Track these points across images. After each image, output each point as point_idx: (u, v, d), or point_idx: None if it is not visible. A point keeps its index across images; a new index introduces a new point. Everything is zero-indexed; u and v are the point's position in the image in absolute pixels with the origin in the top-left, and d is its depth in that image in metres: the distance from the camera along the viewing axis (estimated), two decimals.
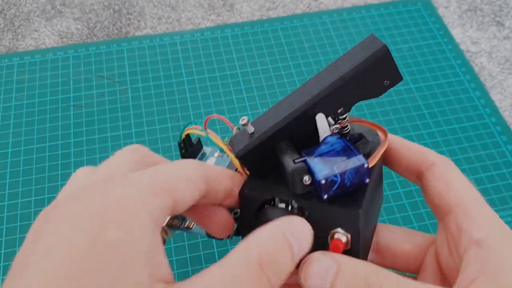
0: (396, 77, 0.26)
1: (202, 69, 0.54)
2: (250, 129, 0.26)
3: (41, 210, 0.47)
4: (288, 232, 0.21)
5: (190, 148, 0.34)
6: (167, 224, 0.31)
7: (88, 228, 0.19)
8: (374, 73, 0.25)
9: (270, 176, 0.26)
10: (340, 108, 0.26)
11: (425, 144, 0.48)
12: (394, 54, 0.55)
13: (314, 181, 0.24)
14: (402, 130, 0.49)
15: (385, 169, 0.29)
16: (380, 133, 0.27)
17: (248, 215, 0.26)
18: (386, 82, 0.26)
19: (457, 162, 0.47)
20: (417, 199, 0.44)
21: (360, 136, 0.27)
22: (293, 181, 0.24)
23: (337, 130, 0.26)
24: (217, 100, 0.52)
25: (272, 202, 0.26)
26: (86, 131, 0.49)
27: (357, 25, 0.58)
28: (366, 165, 0.24)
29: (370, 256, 0.29)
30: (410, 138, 0.48)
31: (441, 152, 0.47)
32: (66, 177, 0.46)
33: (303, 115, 0.25)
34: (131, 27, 0.59)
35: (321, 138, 0.26)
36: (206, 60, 0.55)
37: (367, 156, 0.25)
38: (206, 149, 0.36)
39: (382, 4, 0.61)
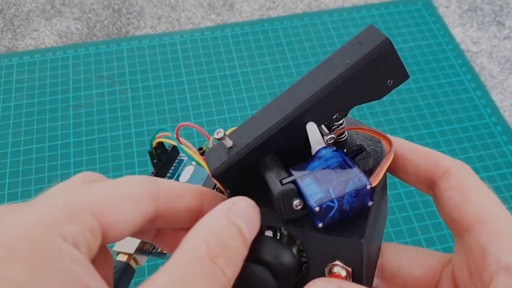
0: (401, 75, 0.21)
1: (202, 69, 0.54)
2: (228, 143, 0.21)
3: None
4: (233, 215, 0.19)
5: (163, 156, 0.31)
6: (137, 250, 0.27)
7: None
8: (375, 71, 0.21)
9: (253, 196, 0.21)
10: (335, 114, 0.22)
11: (425, 144, 0.48)
12: None
13: (307, 206, 0.20)
14: (402, 130, 0.49)
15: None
16: (383, 143, 0.23)
17: None
18: (390, 82, 0.21)
19: None
20: (418, 199, 0.44)
21: (360, 149, 0.22)
22: (281, 205, 0.20)
23: (332, 141, 0.22)
24: (217, 100, 0.52)
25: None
26: (85, 131, 0.49)
27: (357, 24, 0.58)
28: (368, 186, 0.20)
29: (374, 282, 0.25)
30: (410, 138, 0.48)
31: (442, 152, 0.47)
32: (65, 177, 0.46)
33: (291, 125, 0.21)
34: (130, 27, 0.59)
35: (313, 151, 0.22)
36: (206, 60, 0.55)
37: (369, 173, 0.21)
38: (183, 156, 0.33)
39: (383, 3, 0.60)
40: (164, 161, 0.31)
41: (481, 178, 0.48)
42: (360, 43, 0.21)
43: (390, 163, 0.23)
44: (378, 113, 0.50)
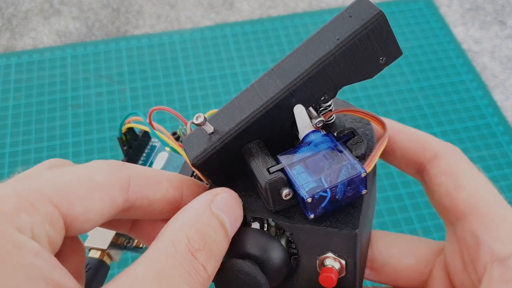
0: (394, 52, 0.20)
1: (202, 68, 0.54)
2: (209, 128, 0.20)
3: None
4: (215, 207, 0.18)
5: (134, 143, 0.29)
6: (110, 245, 0.25)
7: None
8: (367, 47, 0.19)
9: (236, 185, 0.20)
10: (323, 95, 0.20)
11: None
12: None
13: (297, 196, 0.19)
14: None
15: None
16: (375, 125, 0.22)
17: None
18: (382, 59, 0.20)
19: None
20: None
21: (352, 133, 0.20)
22: (268, 196, 0.19)
23: (321, 124, 0.20)
24: (217, 100, 0.51)
25: (243, 221, 0.20)
26: (84, 131, 0.49)
27: None
28: (363, 174, 0.18)
29: (365, 273, 0.24)
30: None
31: None
32: None
33: (277, 107, 0.19)
34: (129, 26, 0.59)
35: (301, 136, 0.20)
36: (205, 59, 0.55)
37: (361, 158, 0.19)
38: (155, 141, 0.30)
39: (384, 3, 0.60)
40: (135, 148, 0.29)
41: None
42: (350, 16, 0.19)
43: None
44: (379, 113, 0.50)
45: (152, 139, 0.30)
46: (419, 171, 0.23)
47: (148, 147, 0.30)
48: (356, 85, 0.52)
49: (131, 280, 0.16)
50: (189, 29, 0.58)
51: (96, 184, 0.17)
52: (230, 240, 0.19)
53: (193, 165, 0.20)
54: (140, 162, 0.29)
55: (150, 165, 0.29)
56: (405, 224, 0.42)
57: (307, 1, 0.61)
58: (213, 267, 0.17)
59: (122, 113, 0.50)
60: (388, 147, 0.23)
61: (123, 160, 0.29)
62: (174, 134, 0.28)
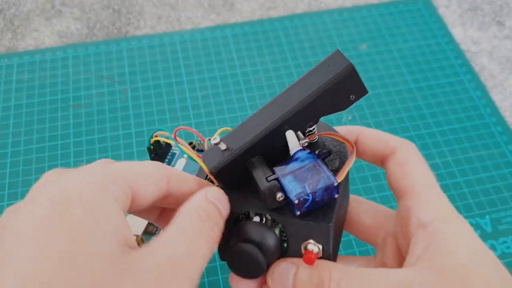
0: (361, 92, 0.26)
1: (202, 69, 0.54)
2: (222, 146, 0.26)
3: None
4: (210, 197, 0.25)
5: (159, 151, 0.36)
6: (144, 231, 0.32)
7: (51, 206, 0.21)
8: (341, 90, 0.26)
9: (242, 189, 0.27)
10: (308, 123, 0.27)
11: (425, 144, 0.48)
12: (395, 54, 0.55)
13: (287, 199, 0.25)
14: (402, 130, 0.49)
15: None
16: (347, 146, 0.28)
17: (224, 229, 0.27)
18: (352, 97, 0.26)
19: (458, 162, 0.47)
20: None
21: (329, 152, 0.28)
22: (267, 197, 0.25)
23: (306, 144, 0.27)
24: (217, 100, 0.52)
25: (247, 214, 0.27)
26: (85, 131, 0.49)
27: (357, 24, 0.58)
28: (335, 183, 0.25)
29: None
30: (410, 138, 0.48)
31: (442, 152, 0.47)
32: None
33: (273, 132, 0.26)
34: (130, 27, 0.59)
35: (291, 152, 0.27)
36: (206, 60, 0.55)
37: (335, 171, 0.27)
38: (176, 149, 0.37)
39: (383, 3, 0.60)
40: (160, 155, 0.36)
41: (481, 178, 0.48)
42: (329, 66, 0.26)
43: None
44: (378, 113, 0.50)
45: (173, 148, 0.37)
46: (382, 162, 0.30)
47: (169, 154, 0.37)
48: None
49: (170, 235, 0.23)
50: (189, 30, 0.58)
51: (151, 175, 0.25)
52: (225, 217, 0.26)
53: (210, 173, 0.27)
54: None
55: None
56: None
57: (306, 2, 0.62)
58: (218, 231, 0.25)
59: (123, 113, 0.51)
60: (361, 149, 0.30)
61: None
62: (190, 143, 0.35)
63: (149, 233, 0.33)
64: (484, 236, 0.42)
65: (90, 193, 0.21)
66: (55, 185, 0.22)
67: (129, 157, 0.47)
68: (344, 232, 0.32)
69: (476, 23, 0.59)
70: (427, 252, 0.25)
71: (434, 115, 0.50)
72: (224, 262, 0.40)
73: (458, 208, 0.44)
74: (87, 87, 0.53)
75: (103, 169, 0.23)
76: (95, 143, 0.48)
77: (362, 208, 0.32)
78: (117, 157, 0.47)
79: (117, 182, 0.23)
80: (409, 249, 0.26)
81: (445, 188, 0.45)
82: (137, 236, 0.32)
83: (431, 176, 0.28)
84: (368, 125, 0.49)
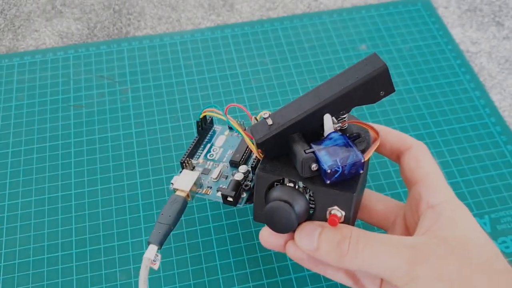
0: (390, 90, 0.30)
1: (202, 69, 0.54)
2: (269, 121, 0.31)
3: (41, 210, 0.47)
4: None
5: (205, 126, 0.41)
6: (190, 189, 0.36)
7: None
8: (374, 85, 0.30)
9: (280, 160, 0.32)
10: (342, 111, 0.31)
11: (425, 144, 0.48)
12: (394, 54, 0.55)
13: (320, 169, 0.29)
14: (402, 130, 0.49)
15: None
16: (372, 133, 0.33)
17: (261, 191, 0.32)
18: (382, 93, 0.30)
19: (457, 162, 0.47)
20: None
21: (358, 135, 0.32)
22: (303, 167, 0.29)
23: (339, 128, 0.32)
24: (217, 100, 0.52)
25: (282, 181, 0.31)
26: (86, 131, 0.49)
27: (357, 25, 0.58)
28: (362, 160, 0.29)
29: None
30: None
31: (441, 152, 0.48)
32: (66, 177, 0.46)
33: (314, 114, 0.30)
34: (131, 27, 0.59)
35: (326, 133, 0.31)
36: (206, 60, 0.55)
37: (363, 151, 0.31)
38: (217, 127, 0.42)
39: (382, 4, 0.61)
40: (205, 130, 0.41)
41: (480, 178, 0.49)
42: (366, 64, 0.30)
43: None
44: (377, 113, 0.50)
45: (215, 126, 0.42)
46: (398, 157, 0.35)
47: (211, 131, 0.42)
48: None
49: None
50: (190, 30, 0.58)
51: None
52: None
53: (257, 143, 0.31)
54: (205, 140, 0.41)
55: (212, 145, 0.41)
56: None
57: (306, 3, 0.62)
58: None
59: (124, 113, 0.51)
60: (380, 143, 0.35)
61: (195, 138, 0.40)
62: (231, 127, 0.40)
63: (194, 191, 0.37)
64: None
65: None
66: None
67: (129, 157, 0.47)
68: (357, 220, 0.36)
69: (475, 24, 0.59)
70: (434, 226, 0.30)
71: (433, 115, 0.50)
72: (224, 262, 0.41)
73: None
74: (87, 87, 0.53)
75: None
76: (96, 143, 0.49)
77: (374, 197, 0.37)
78: (117, 157, 0.47)
79: None
80: (417, 225, 0.31)
81: None
82: (185, 191, 0.36)
83: (439, 171, 0.33)
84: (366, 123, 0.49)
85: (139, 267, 0.32)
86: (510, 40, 0.58)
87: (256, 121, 0.33)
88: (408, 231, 0.33)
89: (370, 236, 0.30)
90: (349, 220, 0.31)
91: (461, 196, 0.45)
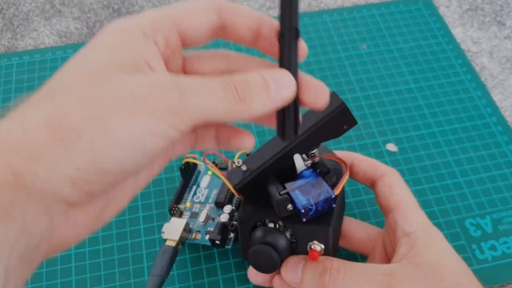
0: (352, 123, 0.32)
1: None
2: (244, 168, 0.34)
3: None
4: (267, 75, 0.25)
5: (188, 170, 0.43)
6: (180, 237, 0.38)
7: (100, 34, 0.26)
8: (336, 123, 0.32)
9: (261, 200, 0.34)
10: (310, 148, 0.33)
11: (426, 144, 0.48)
12: (395, 54, 0.55)
13: (296, 208, 0.32)
14: (403, 130, 0.49)
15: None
16: (342, 165, 0.35)
17: (245, 233, 0.34)
18: (345, 127, 0.33)
19: (458, 162, 0.47)
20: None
21: (328, 171, 0.34)
22: (279, 208, 0.32)
23: (310, 164, 0.34)
24: None
25: (263, 222, 0.34)
26: None
27: (357, 24, 0.58)
28: (333, 196, 0.32)
29: None
30: (411, 138, 0.48)
31: (442, 152, 0.47)
32: None
33: (284, 156, 0.33)
34: None
35: (298, 171, 0.33)
36: None
37: (333, 186, 0.33)
38: (201, 167, 0.44)
39: (383, 3, 0.60)
40: (188, 173, 0.43)
41: (482, 178, 0.49)
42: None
43: (347, 176, 0.35)
44: (379, 113, 0.50)
45: (198, 167, 0.44)
46: (372, 184, 0.37)
47: (196, 171, 0.43)
48: (356, 86, 0.52)
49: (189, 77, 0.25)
50: None
51: (196, 7, 0.26)
52: (276, 103, 0.26)
53: (235, 188, 0.34)
54: (191, 182, 0.43)
55: (198, 185, 0.42)
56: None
57: (306, 2, 0.62)
58: (247, 96, 0.26)
59: None
60: (355, 171, 0.37)
61: (180, 183, 0.42)
62: (213, 162, 0.42)
63: (184, 237, 0.38)
64: (485, 236, 0.42)
65: (126, 28, 0.25)
66: (112, 23, 0.26)
67: None
68: (339, 248, 0.39)
69: (476, 23, 0.59)
70: (409, 253, 0.32)
71: (435, 115, 0.50)
72: (223, 262, 0.40)
73: (458, 209, 0.44)
74: None
75: (151, 12, 0.27)
76: None
77: (355, 225, 0.38)
78: None
79: (157, 20, 0.26)
80: (395, 252, 0.33)
81: (445, 188, 0.45)
82: (175, 240, 0.37)
83: (412, 197, 0.36)
84: (368, 125, 0.49)
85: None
86: (511, 40, 0.58)
87: (233, 163, 0.35)
88: (387, 256, 0.35)
89: (349, 265, 0.32)
90: (329, 251, 0.33)
91: (462, 197, 0.44)
